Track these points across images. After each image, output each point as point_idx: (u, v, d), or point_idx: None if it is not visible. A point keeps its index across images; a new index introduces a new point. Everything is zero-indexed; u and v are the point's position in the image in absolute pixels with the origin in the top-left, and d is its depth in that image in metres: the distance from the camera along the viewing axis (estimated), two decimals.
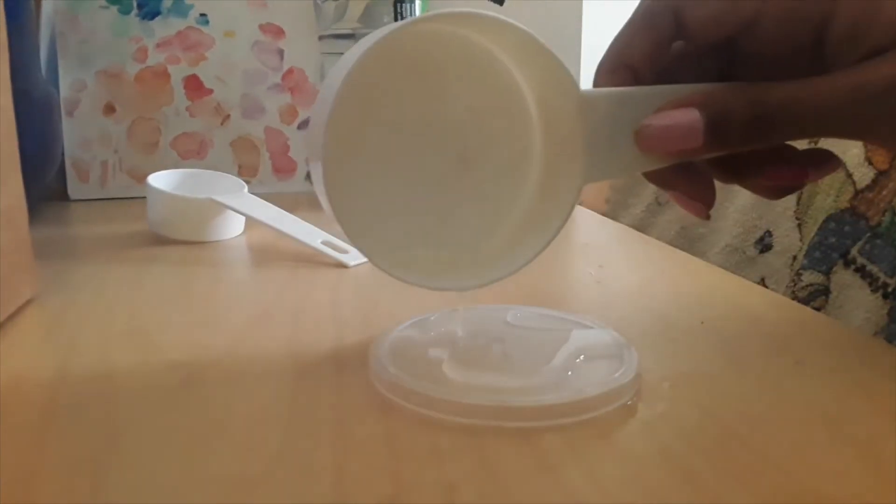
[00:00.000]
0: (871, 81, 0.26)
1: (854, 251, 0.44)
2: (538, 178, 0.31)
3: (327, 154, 0.26)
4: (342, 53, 0.67)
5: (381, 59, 0.27)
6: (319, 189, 0.28)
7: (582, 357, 0.30)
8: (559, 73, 0.28)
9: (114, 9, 0.67)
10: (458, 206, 0.31)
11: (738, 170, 0.31)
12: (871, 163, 0.45)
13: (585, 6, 0.80)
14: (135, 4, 0.67)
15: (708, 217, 0.32)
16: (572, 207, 0.30)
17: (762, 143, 0.28)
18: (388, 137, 0.30)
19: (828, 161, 0.32)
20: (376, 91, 0.29)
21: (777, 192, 0.33)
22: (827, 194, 0.46)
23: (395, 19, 0.60)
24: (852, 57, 0.27)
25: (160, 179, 0.53)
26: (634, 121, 0.29)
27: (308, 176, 0.71)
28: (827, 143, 0.38)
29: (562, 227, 0.30)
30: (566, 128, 0.29)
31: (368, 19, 0.60)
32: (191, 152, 0.69)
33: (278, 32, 0.69)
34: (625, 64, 0.31)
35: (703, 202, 0.32)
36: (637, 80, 0.31)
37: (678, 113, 0.28)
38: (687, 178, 0.32)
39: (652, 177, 0.32)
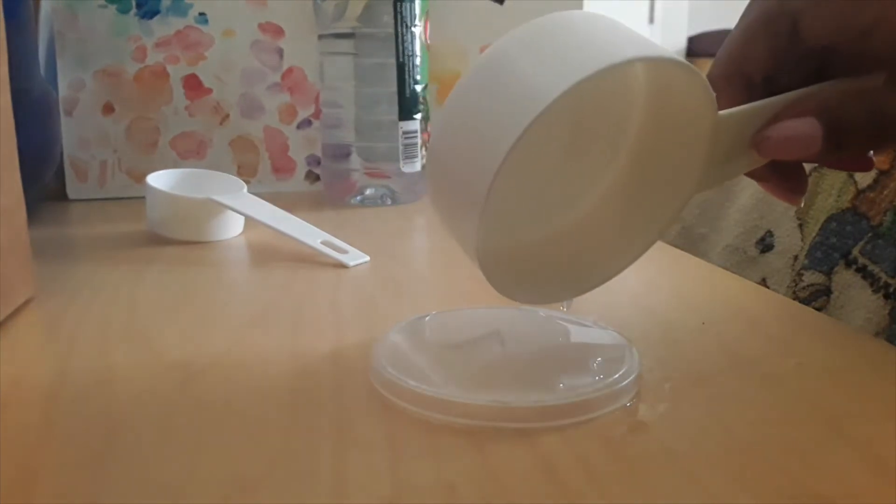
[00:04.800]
0: None
1: (855, 251, 0.44)
2: (627, 170, 0.31)
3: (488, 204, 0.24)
4: (341, 53, 0.66)
5: None
6: (467, 229, 0.26)
7: (583, 358, 0.30)
8: (699, 95, 0.27)
9: (112, 8, 0.66)
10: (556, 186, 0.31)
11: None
12: None
13: (586, 5, 0.79)
14: (133, 3, 0.67)
15: (800, 204, 0.34)
16: (676, 217, 0.31)
17: (876, 149, 0.30)
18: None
19: None
20: None
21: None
22: (828, 194, 0.46)
23: (395, 19, 0.59)
24: None
25: (159, 179, 0.53)
26: (752, 130, 0.30)
27: (308, 175, 0.70)
28: None
29: (664, 232, 0.33)
30: (687, 143, 0.29)
31: (368, 18, 0.60)
32: (190, 152, 0.69)
33: (278, 31, 0.69)
34: (740, 72, 0.31)
35: (797, 191, 0.33)
36: (749, 85, 0.31)
37: (798, 123, 0.29)
38: (780, 170, 0.33)
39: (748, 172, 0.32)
